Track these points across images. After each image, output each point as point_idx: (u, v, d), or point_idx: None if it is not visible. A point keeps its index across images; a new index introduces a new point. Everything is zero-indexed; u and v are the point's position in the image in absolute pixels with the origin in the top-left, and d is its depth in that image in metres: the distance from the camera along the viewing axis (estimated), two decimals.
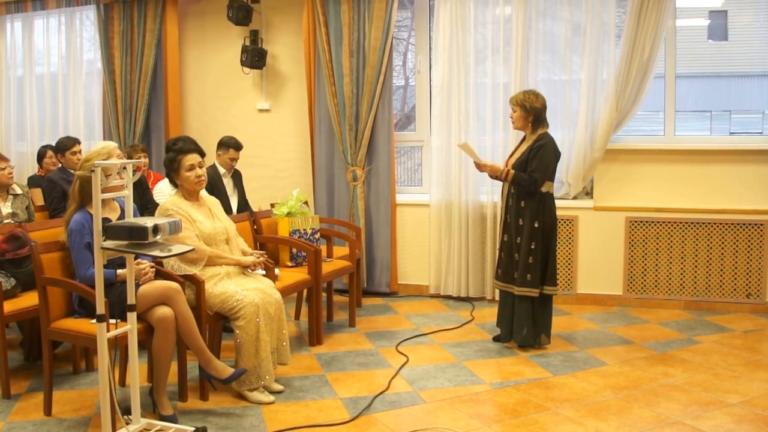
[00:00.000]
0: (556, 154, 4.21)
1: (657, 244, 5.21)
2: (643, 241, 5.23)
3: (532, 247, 4.14)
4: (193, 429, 3.02)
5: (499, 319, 4.39)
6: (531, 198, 4.15)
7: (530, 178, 4.10)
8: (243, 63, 5.89)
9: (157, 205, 4.22)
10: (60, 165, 5.06)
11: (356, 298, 5.05)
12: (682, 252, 5.17)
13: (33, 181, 5.37)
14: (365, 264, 5.65)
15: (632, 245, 5.25)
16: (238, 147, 5.03)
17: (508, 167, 4.22)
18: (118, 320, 2.98)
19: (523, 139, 4.32)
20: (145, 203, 4.94)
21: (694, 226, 5.13)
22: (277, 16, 5.99)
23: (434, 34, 5.49)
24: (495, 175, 4.28)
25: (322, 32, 5.57)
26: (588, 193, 5.46)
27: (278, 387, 3.62)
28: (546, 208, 4.17)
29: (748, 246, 5.05)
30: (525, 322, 4.21)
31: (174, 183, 3.74)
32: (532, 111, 4.16)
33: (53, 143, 6.07)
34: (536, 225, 4.14)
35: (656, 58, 5.01)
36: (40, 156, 5.65)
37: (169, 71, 6.10)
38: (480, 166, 4.31)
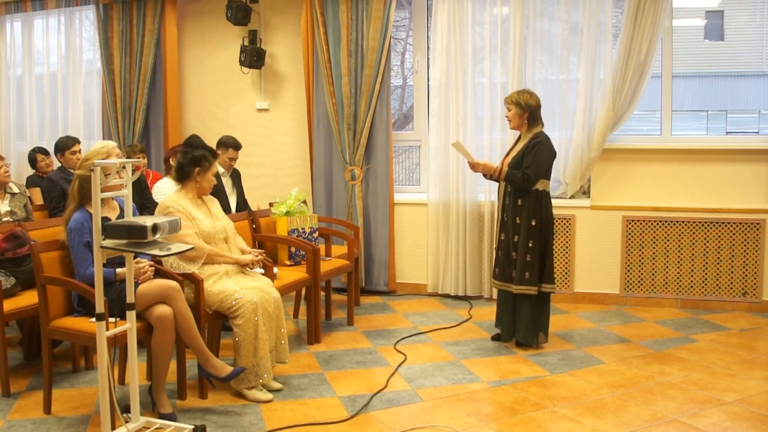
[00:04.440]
0: (552, 153, 4.23)
1: (654, 243, 5.23)
2: (640, 240, 5.25)
3: (530, 245, 4.15)
4: (192, 427, 3.03)
5: (498, 319, 4.41)
6: (527, 196, 4.17)
7: (523, 175, 4.12)
8: (242, 63, 5.90)
9: (156, 204, 4.23)
10: (60, 164, 5.08)
11: (354, 296, 5.07)
12: (679, 251, 5.19)
13: (32, 181, 5.39)
14: (363, 263, 5.66)
15: (629, 244, 5.27)
16: (237, 146, 5.05)
17: (503, 166, 4.24)
18: (118, 319, 3.00)
19: (519, 139, 4.34)
20: (144, 202, 4.95)
21: (691, 225, 5.15)
22: (275, 16, 6.01)
23: (432, 34, 5.50)
24: (488, 173, 4.31)
25: (321, 32, 5.58)
26: (585, 193, 5.48)
27: (277, 385, 3.63)
28: (542, 206, 4.18)
29: (745, 245, 5.07)
30: (523, 321, 4.23)
31: (184, 175, 3.71)
32: (527, 108, 4.18)
33: (44, 144, 6.11)
34: (533, 223, 4.16)
35: (653, 58, 5.03)
36: (32, 160, 5.65)
37: (168, 71, 6.11)
38: (473, 165, 4.34)
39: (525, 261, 4.16)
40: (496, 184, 4.47)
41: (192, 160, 3.69)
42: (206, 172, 3.71)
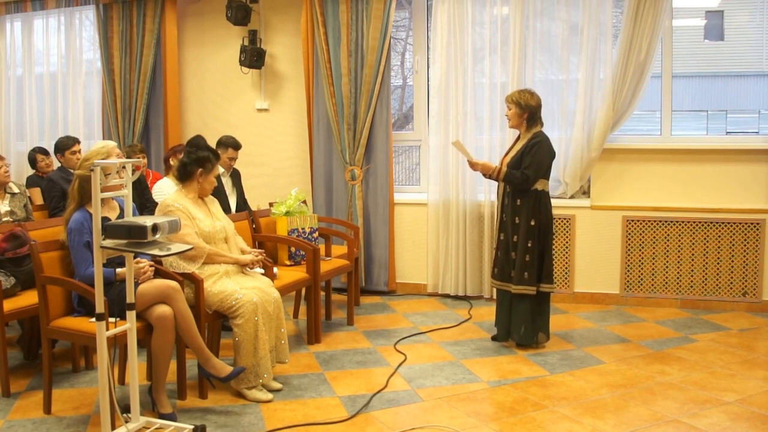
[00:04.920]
0: (551, 153, 4.23)
1: (654, 243, 5.23)
2: (640, 240, 5.25)
3: (529, 245, 4.15)
4: (192, 427, 3.03)
5: (497, 318, 4.41)
6: (526, 196, 4.17)
7: (522, 175, 4.12)
8: (242, 63, 5.90)
9: (156, 204, 4.23)
10: (60, 164, 5.08)
11: (354, 296, 5.07)
12: (679, 251, 5.19)
13: (32, 181, 5.39)
14: (363, 263, 5.66)
15: (629, 244, 5.27)
16: (236, 146, 5.05)
17: (502, 165, 4.24)
18: (118, 319, 3.00)
19: (518, 138, 4.34)
20: (144, 202, 4.95)
21: (691, 225, 5.15)
22: (275, 16, 6.01)
23: (432, 34, 5.50)
24: (487, 173, 4.31)
25: (321, 32, 5.58)
26: (585, 193, 5.48)
27: (277, 385, 3.63)
28: (542, 206, 4.18)
29: (745, 245, 5.07)
30: (523, 321, 4.23)
31: (186, 175, 3.72)
32: (527, 108, 4.18)
33: (44, 144, 6.11)
34: (532, 223, 4.16)
35: (653, 58, 5.03)
36: (32, 160, 5.65)
37: (168, 71, 6.11)
38: (472, 165, 4.34)
39: (524, 261, 4.16)
40: (496, 183, 4.46)
41: (196, 161, 3.69)
42: (208, 173, 3.72)
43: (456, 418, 3.29)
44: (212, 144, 5.09)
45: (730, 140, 5.45)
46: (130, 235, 2.68)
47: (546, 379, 3.80)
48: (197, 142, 3.84)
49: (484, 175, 4.39)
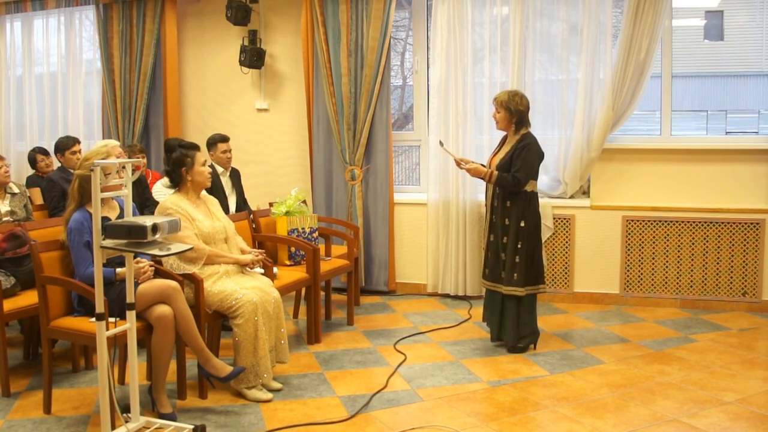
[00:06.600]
0: (540, 154, 4.21)
1: (654, 242, 5.23)
2: (640, 240, 5.25)
3: (519, 246, 4.14)
4: (192, 427, 3.04)
5: (487, 319, 4.39)
6: (517, 198, 4.15)
7: (513, 178, 4.10)
8: (242, 63, 5.91)
9: (157, 203, 4.23)
10: (60, 164, 5.08)
11: (354, 296, 5.07)
12: (679, 251, 5.19)
13: (32, 181, 5.39)
14: (363, 263, 5.66)
15: (629, 244, 5.27)
16: (224, 139, 5.07)
17: (492, 168, 4.23)
18: (118, 319, 3.00)
19: (505, 138, 4.32)
20: (144, 202, 4.95)
21: (691, 225, 5.15)
22: (275, 16, 6.01)
23: (432, 34, 5.50)
24: (478, 176, 4.29)
25: (321, 32, 5.58)
26: (585, 193, 5.48)
27: (277, 385, 3.64)
28: (531, 207, 4.18)
29: (744, 244, 5.07)
30: (515, 323, 4.20)
31: (176, 181, 3.73)
32: (516, 113, 4.16)
33: (44, 144, 6.12)
34: (522, 224, 4.14)
35: (653, 58, 5.03)
36: (32, 160, 5.65)
37: (168, 71, 6.11)
38: (460, 165, 4.32)
39: (514, 262, 4.15)
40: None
41: (174, 164, 3.68)
42: (192, 166, 3.68)
43: (456, 417, 3.29)
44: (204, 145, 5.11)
45: (729, 140, 5.45)
46: (130, 235, 2.69)
47: (546, 378, 3.80)
48: (168, 146, 3.81)
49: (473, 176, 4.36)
